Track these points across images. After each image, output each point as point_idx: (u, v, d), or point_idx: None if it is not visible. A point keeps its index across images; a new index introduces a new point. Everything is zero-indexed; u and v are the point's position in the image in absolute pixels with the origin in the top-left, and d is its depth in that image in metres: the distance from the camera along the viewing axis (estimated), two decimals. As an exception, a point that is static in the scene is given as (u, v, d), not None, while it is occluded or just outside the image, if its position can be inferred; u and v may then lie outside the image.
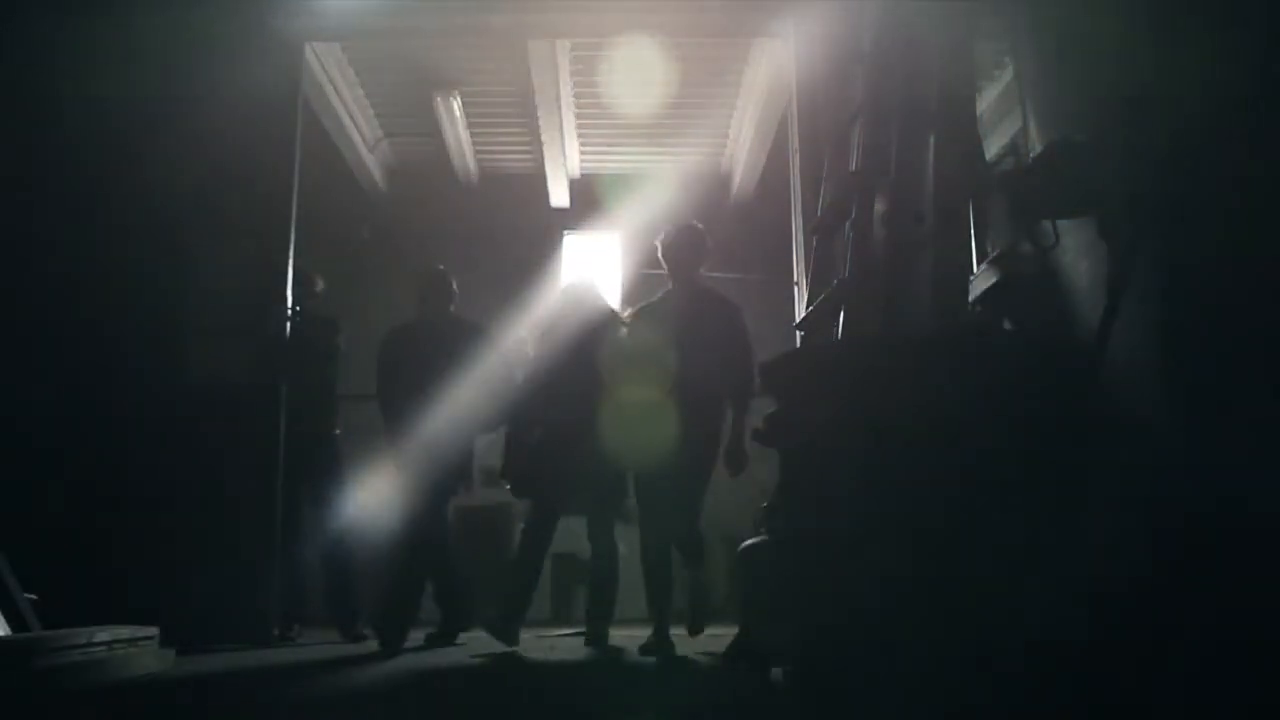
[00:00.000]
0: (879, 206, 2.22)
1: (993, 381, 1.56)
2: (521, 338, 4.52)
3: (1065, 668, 1.52)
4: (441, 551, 4.16)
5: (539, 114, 6.58)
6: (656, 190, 6.96)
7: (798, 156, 4.69)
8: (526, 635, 4.59)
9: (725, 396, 3.81)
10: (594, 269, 7.23)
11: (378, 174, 7.69)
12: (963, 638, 1.49)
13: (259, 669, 3.23)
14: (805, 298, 2.77)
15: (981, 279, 2.34)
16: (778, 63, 5.59)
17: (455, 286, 4.36)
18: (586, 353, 3.97)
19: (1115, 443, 1.96)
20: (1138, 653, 1.77)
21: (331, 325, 4.63)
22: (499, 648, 3.69)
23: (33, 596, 2.86)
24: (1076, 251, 2.18)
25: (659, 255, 4.02)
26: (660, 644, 3.70)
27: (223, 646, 3.72)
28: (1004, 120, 3.00)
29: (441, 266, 4.43)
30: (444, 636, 4.10)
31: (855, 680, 1.59)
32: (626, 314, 4.21)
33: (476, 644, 3.93)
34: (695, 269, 4.00)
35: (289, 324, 4.39)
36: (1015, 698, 1.48)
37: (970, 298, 2.17)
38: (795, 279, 4.62)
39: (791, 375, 1.79)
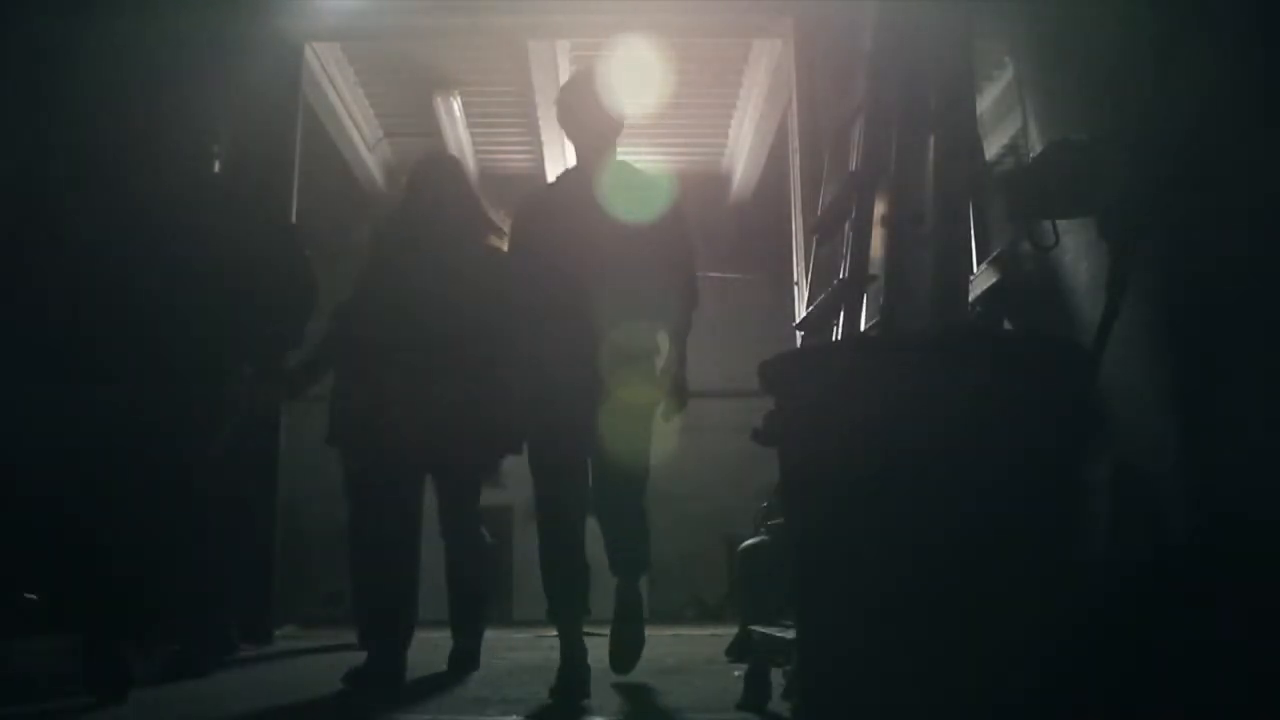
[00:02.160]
0: (879, 206, 2.22)
1: (992, 381, 1.56)
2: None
3: (1071, 678, 1.52)
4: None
5: (539, 114, 6.58)
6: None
7: (798, 156, 4.69)
8: (525, 635, 4.59)
9: (657, 313, 2.84)
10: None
11: (378, 174, 7.69)
12: (964, 643, 1.49)
13: (261, 668, 3.22)
14: (805, 298, 2.77)
15: (981, 279, 2.34)
16: (778, 63, 5.59)
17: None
18: (441, 261, 2.95)
19: (1115, 443, 1.96)
20: (1141, 660, 1.77)
21: None
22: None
23: (33, 597, 2.85)
24: (1076, 251, 2.18)
25: (556, 116, 2.95)
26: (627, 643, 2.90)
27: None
28: (1004, 120, 3.00)
29: None
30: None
31: (857, 685, 1.59)
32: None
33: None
34: (611, 136, 2.84)
35: None
36: (1017, 706, 1.48)
37: (970, 298, 2.17)
38: (795, 279, 4.62)
39: (791, 375, 1.79)
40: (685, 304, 2.87)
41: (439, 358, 2.85)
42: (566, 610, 2.75)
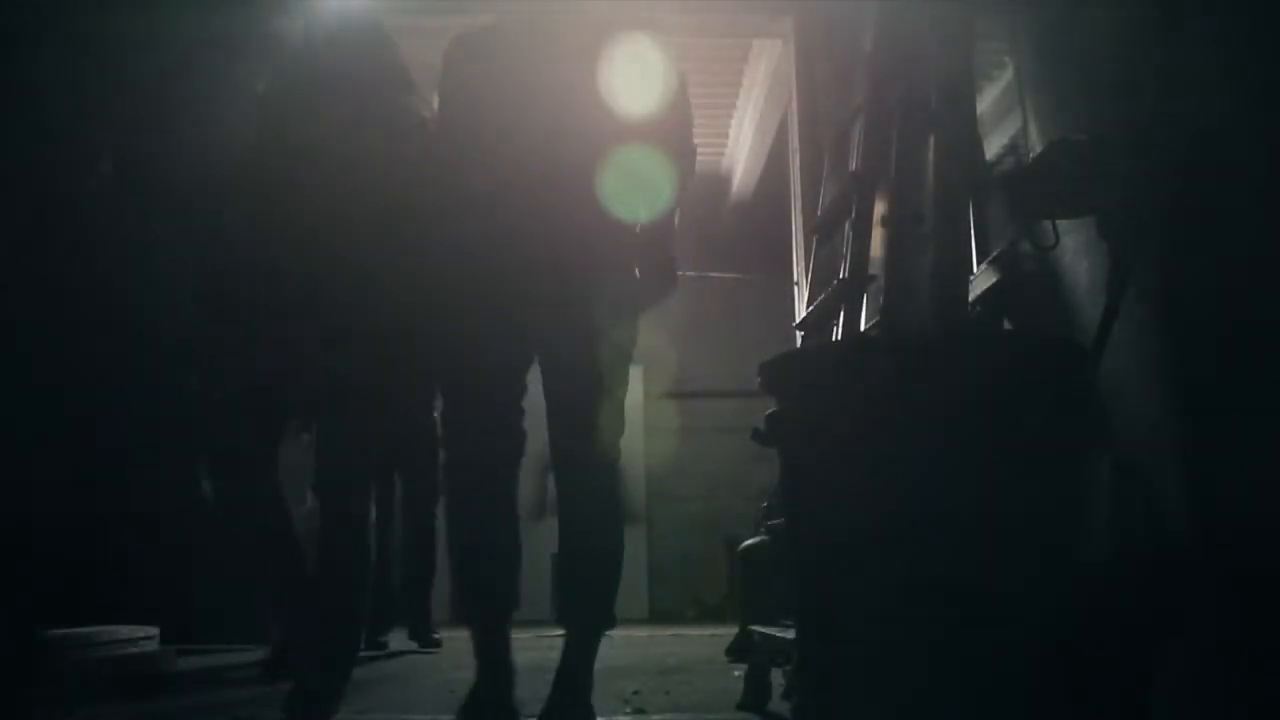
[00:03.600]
0: (879, 206, 2.22)
1: (992, 382, 1.56)
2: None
3: (1072, 678, 1.53)
4: None
5: (539, 114, 6.58)
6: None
7: (798, 156, 4.69)
8: (525, 635, 4.58)
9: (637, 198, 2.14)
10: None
11: (377, 174, 7.68)
12: (965, 643, 1.49)
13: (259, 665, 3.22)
14: (805, 298, 2.77)
15: (981, 279, 2.34)
16: (778, 63, 5.59)
17: None
18: (346, 143, 2.25)
19: (1114, 444, 1.96)
20: (1138, 659, 1.78)
21: None
22: None
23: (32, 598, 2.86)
24: (1076, 251, 2.18)
25: None
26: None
27: (223, 646, 3.73)
28: (1004, 120, 3.00)
29: None
30: None
31: (857, 685, 1.59)
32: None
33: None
34: None
35: None
36: (1015, 704, 1.48)
37: (970, 298, 2.17)
38: (795, 279, 4.62)
39: (791, 375, 1.79)
40: (679, 165, 2.19)
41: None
42: (487, 604, 2.13)
